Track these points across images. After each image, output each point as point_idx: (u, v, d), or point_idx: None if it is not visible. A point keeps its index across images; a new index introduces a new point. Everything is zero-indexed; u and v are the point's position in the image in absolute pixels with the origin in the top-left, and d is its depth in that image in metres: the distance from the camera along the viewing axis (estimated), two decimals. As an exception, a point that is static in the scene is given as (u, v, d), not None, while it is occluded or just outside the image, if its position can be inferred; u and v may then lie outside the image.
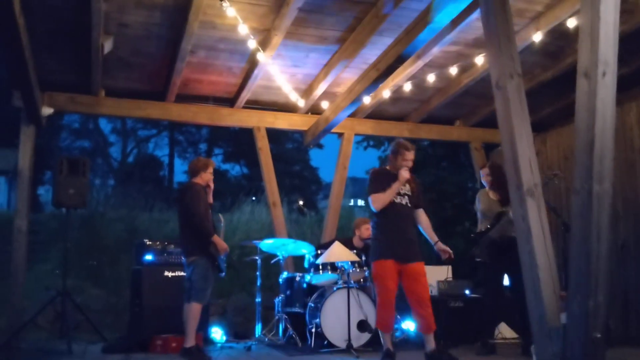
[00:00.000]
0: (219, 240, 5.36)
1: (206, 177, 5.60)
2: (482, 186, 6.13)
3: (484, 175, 5.94)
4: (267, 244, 6.51)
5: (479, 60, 6.50)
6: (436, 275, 7.00)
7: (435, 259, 9.53)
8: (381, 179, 4.88)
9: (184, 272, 5.95)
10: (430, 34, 5.23)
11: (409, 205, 4.90)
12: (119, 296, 8.36)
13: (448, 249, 4.92)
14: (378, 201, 4.79)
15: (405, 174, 4.81)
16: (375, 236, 4.94)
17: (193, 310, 5.22)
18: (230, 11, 5.28)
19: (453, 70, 6.79)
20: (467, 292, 6.65)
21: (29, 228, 6.66)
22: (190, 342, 5.18)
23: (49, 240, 10.26)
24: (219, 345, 6.16)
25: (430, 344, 4.74)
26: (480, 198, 5.92)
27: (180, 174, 35.48)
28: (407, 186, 4.92)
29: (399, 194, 4.84)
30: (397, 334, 6.09)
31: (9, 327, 6.15)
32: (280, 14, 5.51)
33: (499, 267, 5.61)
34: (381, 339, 4.81)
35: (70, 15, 5.41)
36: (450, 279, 6.86)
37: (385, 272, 4.70)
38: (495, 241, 5.58)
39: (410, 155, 4.87)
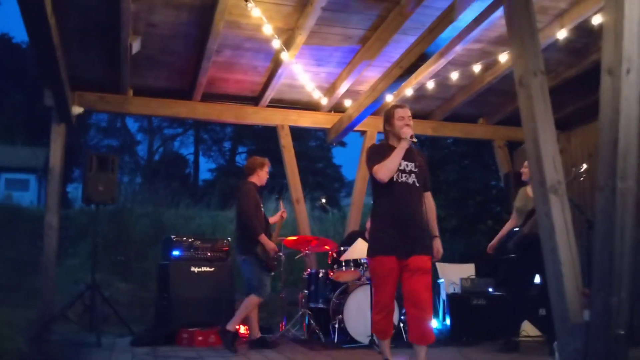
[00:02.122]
0: (266, 240, 5.50)
1: (263, 176, 5.80)
2: (521, 183, 6.11)
3: (524, 170, 5.85)
4: (291, 240, 6.58)
5: (503, 57, 6.49)
6: (459, 273, 7.02)
7: (458, 257, 9.56)
8: (380, 151, 4.00)
9: (210, 267, 6.14)
10: (453, 32, 5.26)
11: (417, 184, 3.96)
12: (146, 290, 8.52)
13: (439, 250, 4.07)
14: (383, 169, 3.86)
15: (407, 130, 3.92)
16: (373, 226, 4.06)
17: (249, 300, 5.46)
18: (255, 11, 5.35)
19: (476, 68, 6.79)
20: (490, 290, 6.64)
21: (59, 224, 6.82)
22: (232, 326, 5.38)
23: (78, 235, 10.51)
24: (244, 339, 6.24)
25: (420, 358, 3.79)
26: (519, 195, 5.94)
27: (205, 171, 35.85)
28: (414, 162, 4.00)
29: (402, 171, 3.94)
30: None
31: (40, 319, 6.32)
32: (304, 14, 5.57)
33: (527, 263, 5.61)
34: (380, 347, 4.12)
35: (100, 16, 5.54)
36: (473, 277, 6.87)
37: (382, 272, 3.89)
38: (525, 237, 5.60)
39: (404, 112, 4.01)
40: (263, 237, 5.49)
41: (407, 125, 3.95)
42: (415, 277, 3.80)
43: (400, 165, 3.91)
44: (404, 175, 3.93)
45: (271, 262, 5.57)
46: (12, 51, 26.56)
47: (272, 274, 5.69)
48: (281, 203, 6.38)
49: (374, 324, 3.98)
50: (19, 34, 34.82)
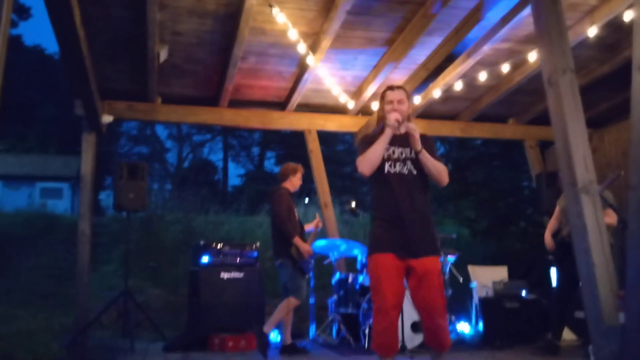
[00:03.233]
0: (301, 243, 5.58)
1: (295, 182, 5.90)
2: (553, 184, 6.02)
3: None
4: (319, 245, 6.57)
5: (532, 56, 6.39)
6: (492, 275, 6.92)
7: (490, 260, 9.42)
8: (371, 141, 3.48)
9: (239, 273, 6.19)
10: (480, 32, 5.20)
11: (414, 172, 3.43)
12: (177, 296, 8.61)
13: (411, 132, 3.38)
14: (364, 161, 3.40)
15: (392, 115, 3.41)
16: (371, 223, 3.61)
17: (286, 303, 5.54)
18: (280, 17, 5.38)
19: (505, 68, 6.70)
20: (523, 293, 6.53)
21: (92, 231, 6.94)
22: (268, 327, 5.46)
23: (111, 242, 10.69)
24: (274, 345, 6.26)
25: None
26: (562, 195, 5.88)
27: (234, 177, 36.18)
28: (408, 148, 3.45)
29: (395, 159, 3.44)
30: (451, 335, 6.03)
31: (75, 325, 6.44)
32: (328, 18, 5.57)
33: (568, 265, 5.52)
34: None
35: (127, 26, 5.63)
36: (506, 280, 6.76)
37: (380, 272, 3.36)
38: (564, 239, 5.52)
39: (393, 95, 3.50)
40: (297, 240, 5.57)
41: (395, 110, 3.45)
42: (424, 281, 3.33)
43: (393, 153, 3.46)
44: (397, 164, 3.44)
45: (305, 264, 5.67)
46: (45, 62, 27.19)
47: (306, 276, 5.75)
48: (317, 215, 6.45)
49: (373, 337, 3.38)
50: (51, 45, 35.68)
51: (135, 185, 6.50)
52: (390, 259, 3.35)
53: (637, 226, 3.31)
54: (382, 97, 3.57)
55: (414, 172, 3.43)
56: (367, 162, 3.39)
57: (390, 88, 3.57)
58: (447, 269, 6.37)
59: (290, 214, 5.68)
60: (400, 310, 3.43)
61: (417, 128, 3.40)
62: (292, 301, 5.55)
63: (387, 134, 3.39)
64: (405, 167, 3.43)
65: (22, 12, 27.01)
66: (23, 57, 24.93)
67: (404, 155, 3.45)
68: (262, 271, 6.58)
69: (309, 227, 6.09)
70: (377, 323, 3.33)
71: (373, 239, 3.48)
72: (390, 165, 3.43)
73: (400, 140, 3.47)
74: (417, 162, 3.43)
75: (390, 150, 3.46)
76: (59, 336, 6.36)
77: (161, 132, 30.94)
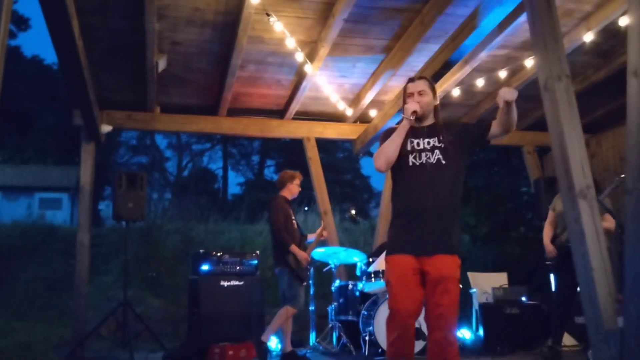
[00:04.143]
0: (298, 251, 5.59)
1: (293, 189, 5.91)
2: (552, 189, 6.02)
3: None
4: (319, 253, 6.56)
5: (529, 62, 6.42)
6: (492, 282, 6.92)
7: (490, 266, 9.40)
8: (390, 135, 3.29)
9: (239, 281, 6.19)
10: (476, 38, 5.22)
11: (444, 161, 3.18)
12: (177, 305, 8.59)
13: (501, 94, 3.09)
14: (379, 155, 3.22)
15: (410, 106, 3.21)
16: (391, 220, 3.36)
17: (284, 311, 5.55)
18: (278, 25, 5.39)
19: (502, 74, 6.72)
20: (523, 298, 6.53)
21: (91, 242, 6.93)
22: (266, 336, 5.50)
23: (110, 252, 10.67)
24: (275, 353, 6.24)
25: None
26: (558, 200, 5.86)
27: (234, 185, 36.13)
28: (437, 136, 3.24)
29: (420, 150, 3.22)
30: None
31: (73, 337, 6.41)
32: (326, 26, 5.59)
33: (567, 270, 5.52)
34: None
35: (126, 36, 5.65)
36: (506, 286, 6.76)
37: (396, 274, 3.15)
38: (562, 244, 5.52)
39: (414, 87, 3.30)
40: (294, 247, 5.58)
41: (415, 102, 3.25)
42: (439, 290, 3.07)
43: (417, 145, 3.23)
44: (423, 154, 3.20)
45: (303, 272, 5.65)
46: (44, 72, 27.22)
47: (305, 283, 5.75)
48: (322, 223, 6.51)
49: (388, 345, 3.14)
50: (50, 55, 35.73)
51: (134, 194, 6.51)
52: (406, 261, 3.12)
53: (634, 230, 3.31)
54: (403, 91, 3.40)
55: (443, 161, 3.18)
56: (382, 155, 3.20)
57: (411, 80, 3.38)
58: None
59: (287, 222, 5.69)
60: (416, 319, 3.18)
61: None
62: (289, 309, 5.56)
63: (404, 126, 3.21)
64: (433, 157, 3.20)
65: (22, 24, 27.06)
66: (22, 68, 24.94)
67: (430, 145, 3.23)
68: (262, 280, 6.56)
69: (312, 237, 6.10)
70: (391, 331, 3.12)
71: (391, 237, 3.29)
72: (414, 157, 3.22)
73: (427, 130, 3.29)
74: (446, 150, 3.21)
75: (415, 143, 3.25)
76: (57, 348, 6.34)
77: (160, 141, 30.94)
